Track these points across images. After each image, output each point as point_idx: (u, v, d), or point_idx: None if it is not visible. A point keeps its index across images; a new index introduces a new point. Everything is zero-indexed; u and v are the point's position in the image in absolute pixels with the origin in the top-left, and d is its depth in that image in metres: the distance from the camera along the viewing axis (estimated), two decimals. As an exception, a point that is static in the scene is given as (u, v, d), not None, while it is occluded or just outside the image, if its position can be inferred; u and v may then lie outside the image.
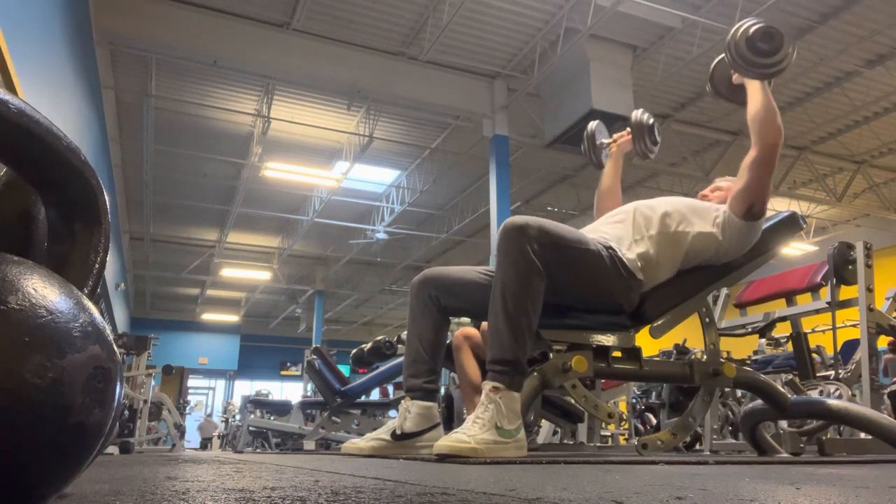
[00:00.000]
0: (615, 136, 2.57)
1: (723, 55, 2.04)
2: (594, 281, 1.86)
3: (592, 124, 2.64)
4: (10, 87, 3.53)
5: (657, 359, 3.76)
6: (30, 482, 0.56)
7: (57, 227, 0.80)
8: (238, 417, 12.43)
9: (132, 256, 15.16)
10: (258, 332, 21.43)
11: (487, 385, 1.66)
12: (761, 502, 0.65)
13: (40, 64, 4.36)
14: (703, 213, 2.01)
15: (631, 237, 1.95)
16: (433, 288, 2.04)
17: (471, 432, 1.58)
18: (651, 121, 2.43)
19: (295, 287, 16.81)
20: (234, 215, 12.13)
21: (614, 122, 7.21)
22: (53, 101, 4.85)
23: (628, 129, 2.47)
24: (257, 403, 9.20)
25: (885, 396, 3.35)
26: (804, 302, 3.02)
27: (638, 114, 2.45)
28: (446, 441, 1.57)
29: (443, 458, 1.55)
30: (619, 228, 1.99)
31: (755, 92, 1.93)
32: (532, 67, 7.66)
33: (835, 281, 2.75)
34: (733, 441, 3.85)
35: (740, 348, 5.02)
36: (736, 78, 2.07)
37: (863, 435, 2.35)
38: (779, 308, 3.08)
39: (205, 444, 15.66)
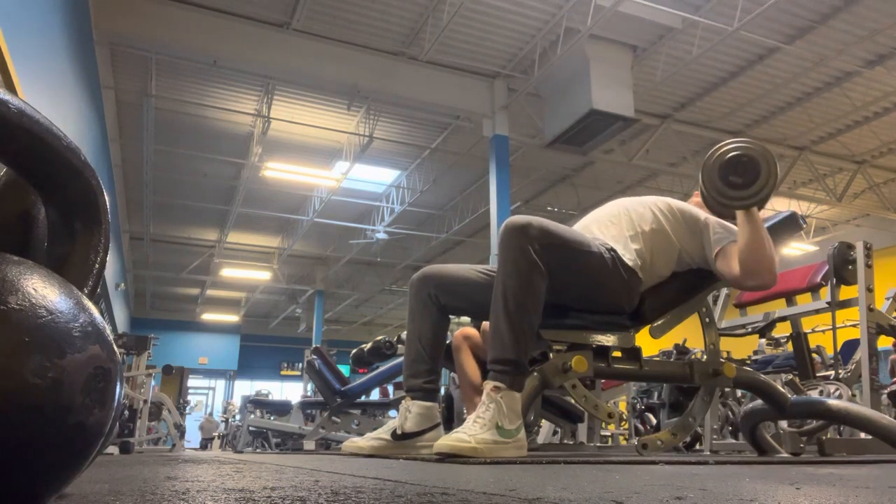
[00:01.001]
0: None
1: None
2: (595, 281, 1.86)
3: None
4: (10, 87, 3.53)
5: (657, 359, 3.76)
6: (30, 482, 0.56)
7: (57, 227, 0.80)
8: (238, 417, 12.44)
9: (132, 256, 15.16)
10: (258, 332, 21.43)
11: (488, 385, 1.66)
12: (761, 502, 0.65)
13: (40, 64, 4.36)
14: (693, 224, 1.97)
15: (626, 235, 1.95)
16: (432, 286, 2.04)
17: (471, 432, 1.58)
18: None
19: (295, 287, 16.81)
20: (234, 215, 12.13)
21: (614, 122, 7.22)
22: (53, 101, 4.85)
23: None
24: (257, 403, 9.20)
25: (885, 396, 3.35)
26: (804, 302, 3.02)
27: None
28: (447, 440, 1.57)
29: (443, 457, 1.55)
30: (614, 228, 1.99)
31: (740, 219, 1.79)
32: (532, 67, 7.66)
33: (835, 281, 2.75)
34: (733, 441, 3.85)
35: (740, 348, 5.02)
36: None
37: (863, 435, 2.35)
38: (779, 308, 3.08)
39: (205, 444, 15.66)
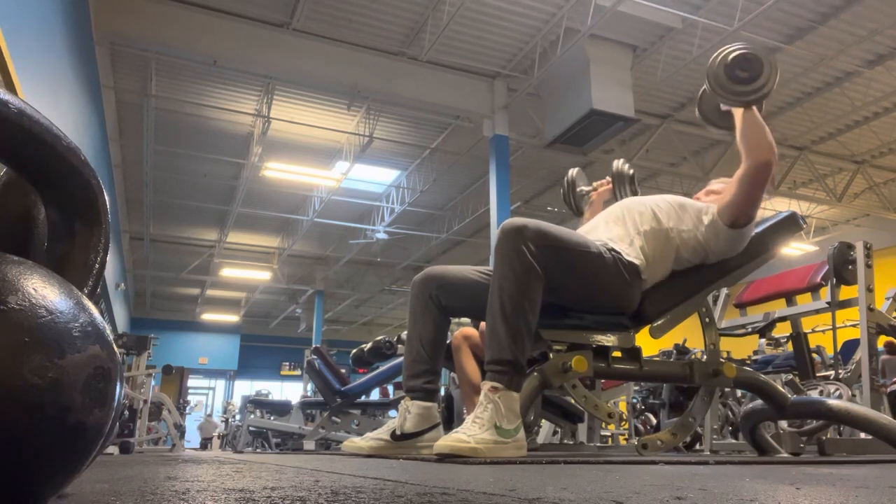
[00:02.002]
0: (595, 183, 2.63)
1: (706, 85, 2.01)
2: (596, 282, 1.86)
3: (572, 171, 2.70)
4: (10, 87, 3.53)
5: (657, 359, 3.76)
6: (30, 482, 0.56)
7: (57, 227, 0.80)
8: (238, 417, 12.44)
9: (132, 256, 15.16)
10: (258, 332, 21.43)
11: (486, 385, 1.66)
12: (761, 502, 0.65)
13: (40, 64, 4.36)
14: (694, 212, 2.01)
15: (627, 235, 1.96)
16: (434, 287, 2.04)
17: (470, 432, 1.58)
18: (632, 171, 2.49)
19: (295, 287, 16.81)
20: (234, 215, 12.13)
21: (614, 122, 7.22)
22: (53, 101, 4.85)
23: (608, 178, 2.54)
24: (257, 403, 9.20)
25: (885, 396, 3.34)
26: (804, 302, 3.02)
27: (619, 163, 2.52)
28: (446, 441, 1.57)
29: (443, 457, 1.55)
30: (618, 229, 1.99)
31: (741, 119, 1.92)
32: (532, 67, 7.66)
33: (835, 281, 2.75)
34: (733, 441, 3.85)
35: (740, 348, 5.02)
36: (724, 107, 2.07)
37: (863, 435, 2.35)
38: (779, 308, 3.08)
39: (205, 444, 15.66)
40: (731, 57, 1.85)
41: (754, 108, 1.90)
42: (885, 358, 5.48)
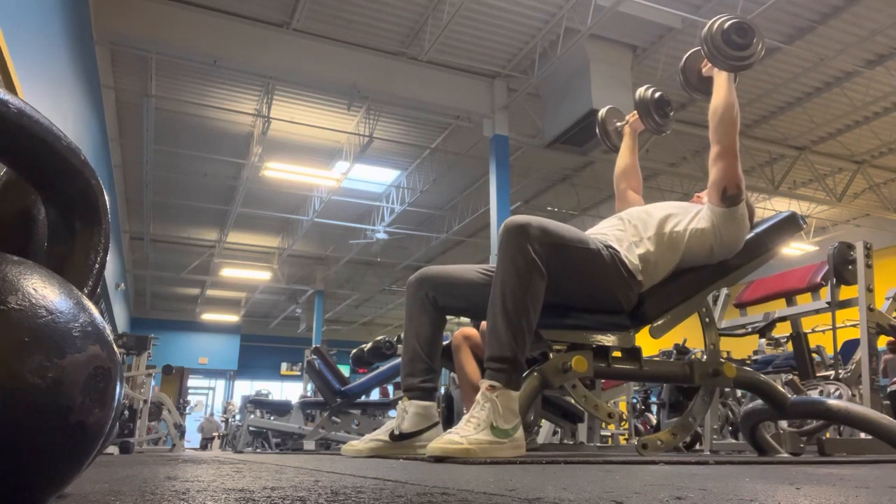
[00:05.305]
0: (627, 116, 2.61)
1: (696, 48, 2.13)
2: (594, 280, 1.86)
3: (604, 110, 2.70)
4: (10, 87, 3.53)
5: (657, 359, 3.76)
6: (30, 482, 0.56)
7: (57, 227, 0.80)
8: (238, 417, 12.43)
9: (132, 256, 15.15)
10: (258, 332, 21.43)
11: (484, 384, 1.65)
12: (761, 502, 0.65)
13: (40, 64, 4.36)
14: (693, 209, 2.05)
15: (630, 240, 1.96)
16: (430, 287, 2.03)
17: (464, 433, 1.56)
18: (657, 94, 2.46)
19: (295, 287, 16.81)
20: (234, 215, 12.13)
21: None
22: (53, 101, 4.85)
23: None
24: (257, 403, 9.20)
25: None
26: (804, 302, 3.02)
27: (641, 90, 2.50)
28: (438, 443, 1.55)
29: (435, 459, 1.53)
30: (618, 232, 2.00)
31: (722, 84, 2.01)
32: (532, 67, 7.66)
33: (835, 281, 2.75)
34: (733, 441, 3.85)
35: (740, 348, 5.02)
36: (706, 70, 2.16)
37: (863, 435, 2.35)
38: (779, 308, 3.08)
39: (205, 444, 15.66)
40: (728, 23, 1.95)
41: (732, 77, 2.02)
42: (888, 357, 5.48)
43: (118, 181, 10.71)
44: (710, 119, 2.01)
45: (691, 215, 2.01)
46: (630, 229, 2.00)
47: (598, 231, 2.07)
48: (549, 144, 7.85)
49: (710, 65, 2.08)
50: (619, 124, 2.64)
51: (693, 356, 3.94)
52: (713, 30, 1.96)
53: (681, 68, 2.26)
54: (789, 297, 3.09)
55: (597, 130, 2.71)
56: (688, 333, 3.82)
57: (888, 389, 3.52)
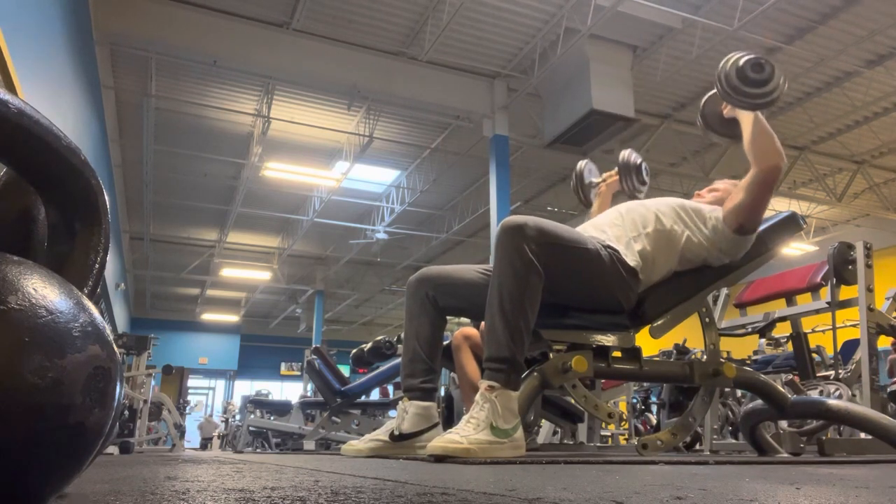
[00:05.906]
0: (604, 175, 2.64)
1: (713, 91, 2.04)
2: (593, 280, 1.85)
3: (581, 163, 2.72)
4: (10, 87, 3.53)
5: (657, 359, 3.76)
6: (30, 482, 0.56)
7: (57, 227, 0.80)
8: (238, 417, 12.43)
9: (132, 256, 15.15)
10: (258, 332, 21.43)
11: (483, 384, 1.65)
12: (761, 502, 0.65)
13: (40, 64, 4.36)
14: (697, 215, 2.01)
15: (628, 235, 1.95)
16: (430, 287, 2.03)
17: (464, 432, 1.56)
18: (639, 161, 2.48)
19: (295, 287, 16.81)
20: (234, 215, 12.13)
21: (614, 122, 7.22)
22: (53, 101, 4.85)
23: (616, 169, 2.52)
24: (257, 403, 9.20)
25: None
26: (804, 302, 3.02)
27: (626, 154, 2.50)
28: (438, 442, 1.55)
29: (436, 459, 1.53)
30: (616, 228, 1.99)
31: (749, 123, 1.93)
32: (532, 67, 7.66)
33: (835, 281, 2.75)
34: (733, 441, 3.85)
35: (740, 348, 5.02)
36: (727, 111, 2.07)
37: (863, 435, 2.35)
38: (779, 308, 3.08)
39: (205, 444, 15.66)
40: (742, 60, 1.85)
41: (759, 113, 1.91)
42: (894, 357, 5.49)
43: (118, 181, 10.71)
44: (748, 153, 1.94)
45: (694, 222, 1.99)
46: (628, 224, 1.98)
47: (596, 226, 2.06)
48: (549, 144, 7.85)
49: (730, 106, 2.01)
50: (594, 181, 2.65)
51: (693, 356, 3.94)
52: (727, 68, 1.86)
53: (700, 114, 2.19)
54: (789, 297, 3.09)
55: (572, 183, 2.71)
56: (688, 333, 3.82)
57: (888, 389, 3.52)
